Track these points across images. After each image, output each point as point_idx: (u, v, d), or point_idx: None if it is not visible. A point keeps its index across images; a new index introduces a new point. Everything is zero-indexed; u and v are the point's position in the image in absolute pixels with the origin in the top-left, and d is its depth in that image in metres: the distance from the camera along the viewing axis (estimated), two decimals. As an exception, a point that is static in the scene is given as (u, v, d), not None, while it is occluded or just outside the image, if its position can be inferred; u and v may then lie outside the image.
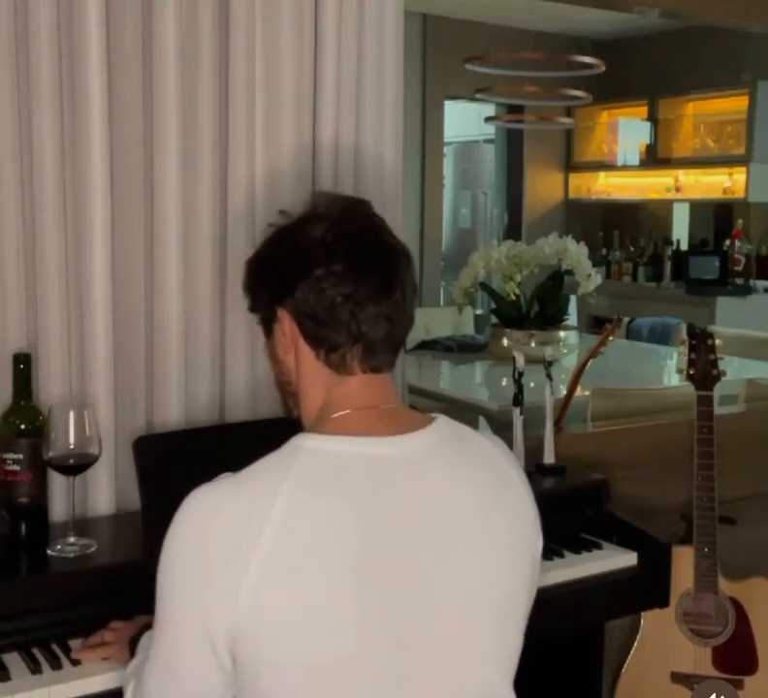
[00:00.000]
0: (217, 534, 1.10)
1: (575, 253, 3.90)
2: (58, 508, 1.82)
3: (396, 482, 1.16)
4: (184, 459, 1.79)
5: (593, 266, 3.99)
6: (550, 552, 2.01)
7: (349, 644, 1.10)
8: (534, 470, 2.21)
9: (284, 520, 1.09)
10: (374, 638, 1.11)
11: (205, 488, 1.15)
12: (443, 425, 1.26)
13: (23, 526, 1.72)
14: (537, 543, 1.29)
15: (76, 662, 1.52)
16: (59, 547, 1.70)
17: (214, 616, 1.08)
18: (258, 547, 1.08)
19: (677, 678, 2.37)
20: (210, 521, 1.11)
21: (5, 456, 1.71)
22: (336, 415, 1.22)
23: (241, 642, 1.08)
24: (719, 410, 2.54)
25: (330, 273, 1.20)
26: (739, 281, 6.00)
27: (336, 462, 1.15)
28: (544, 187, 7.21)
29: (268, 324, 1.30)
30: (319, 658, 1.09)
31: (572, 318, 4.24)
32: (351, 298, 1.20)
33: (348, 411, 1.22)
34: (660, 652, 2.37)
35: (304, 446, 1.17)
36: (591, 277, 3.90)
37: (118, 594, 1.62)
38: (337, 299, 1.20)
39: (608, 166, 7.09)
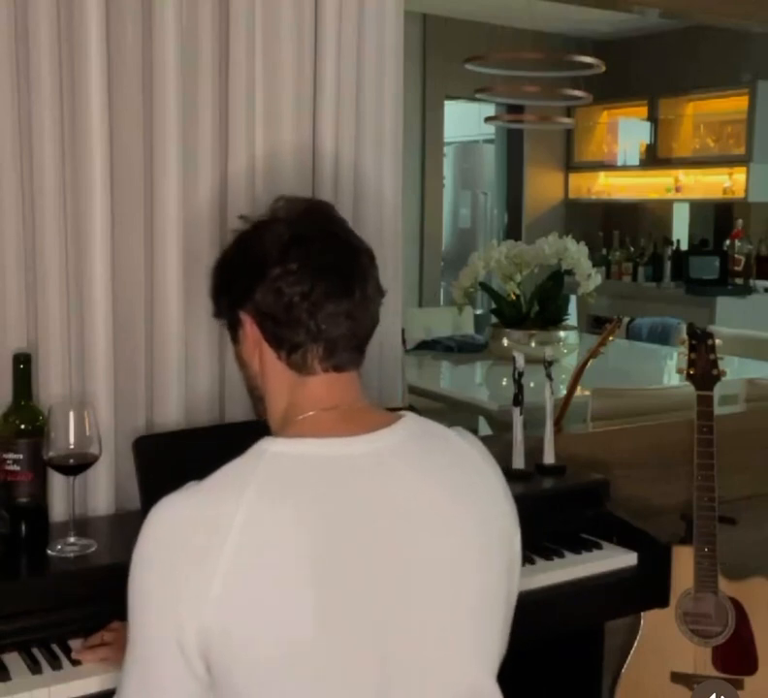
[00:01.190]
0: (182, 545, 1.11)
1: (575, 253, 3.91)
2: (58, 508, 1.83)
3: (361, 482, 1.16)
4: (184, 459, 1.78)
5: (593, 266, 4.00)
6: (550, 552, 2.01)
7: (310, 644, 1.09)
8: (534, 470, 2.21)
9: (246, 526, 1.09)
10: (344, 638, 1.11)
11: (169, 498, 1.15)
12: (410, 422, 1.25)
13: (23, 526, 1.72)
14: (514, 538, 1.29)
15: (76, 662, 1.52)
16: (59, 547, 1.70)
17: (184, 625, 1.08)
18: (222, 554, 1.08)
19: (677, 678, 2.37)
20: (175, 532, 1.12)
21: (5, 456, 1.71)
22: (300, 417, 1.22)
23: (212, 645, 1.08)
24: (719, 410, 2.54)
25: (286, 272, 1.20)
26: (739, 281, 6.00)
27: (300, 466, 1.15)
28: (544, 187, 7.21)
29: (233, 329, 1.30)
30: (284, 660, 1.09)
31: (572, 318, 4.24)
32: (308, 296, 1.20)
33: (312, 412, 1.22)
34: (660, 652, 2.37)
35: (268, 450, 1.16)
36: (591, 277, 3.90)
37: (118, 594, 1.61)
38: (295, 298, 1.20)
39: (608, 166, 7.10)
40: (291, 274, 1.20)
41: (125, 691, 1.16)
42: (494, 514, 1.25)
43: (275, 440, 1.19)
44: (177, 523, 1.13)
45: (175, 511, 1.14)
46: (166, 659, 1.11)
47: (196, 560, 1.09)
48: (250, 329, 1.25)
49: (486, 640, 1.23)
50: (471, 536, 1.21)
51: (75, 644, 1.56)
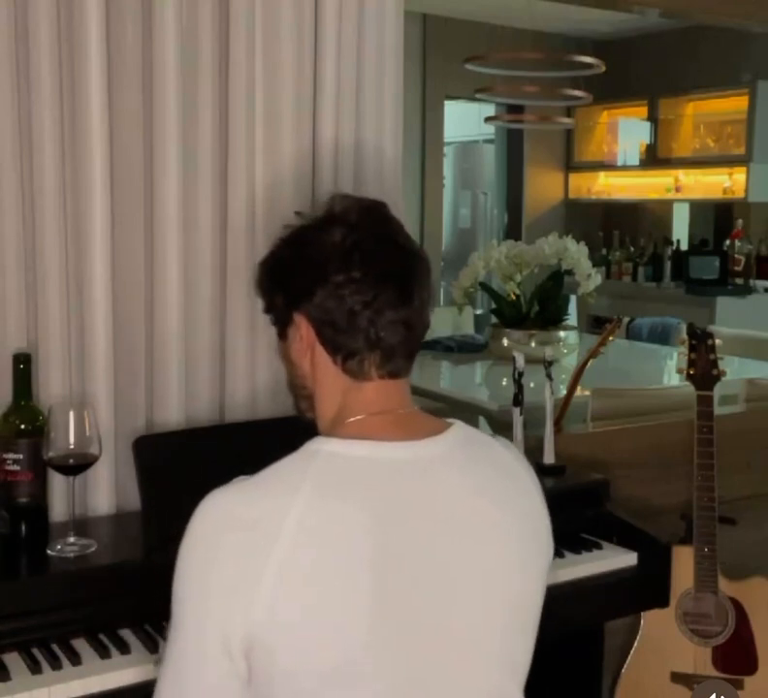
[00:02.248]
0: (232, 543, 1.09)
1: (575, 253, 3.90)
2: (58, 508, 1.83)
3: (411, 487, 1.16)
4: (184, 459, 1.79)
5: (593, 266, 3.99)
6: (550, 552, 2.01)
7: (363, 649, 1.09)
8: (534, 470, 2.21)
9: (300, 526, 1.08)
10: (389, 642, 1.10)
11: (219, 492, 1.13)
12: (459, 430, 1.25)
13: (23, 526, 1.72)
14: (549, 549, 1.29)
15: (76, 662, 1.52)
16: (59, 547, 1.70)
17: (230, 625, 1.07)
18: (273, 554, 1.07)
19: (677, 678, 2.37)
20: (225, 529, 1.10)
21: (5, 456, 1.71)
22: (351, 419, 1.21)
23: (256, 650, 1.07)
24: (719, 410, 2.54)
25: (349, 280, 1.19)
26: (739, 281, 6.00)
27: (354, 467, 1.15)
28: (544, 187, 7.21)
29: (282, 326, 1.29)
30: (333, 664, 1.08)
31: (572, 318, 4.24)
32: (370, 305, 1.19)
33: (364, 416, 1.21)
34: (660, 652, 2.37)
35: (321, 450, 1.16)
36: (591, 277, 3.90)
37: (118, 594, 1.62)
38: (356, 306, 1.19)
39: (608, 166, 7.10)
40: (354, 283, 1.19)
41: (162, 682, 1.14)
42: (534, 524, 1.25)
43: (328, 440, 1.19)
44: (226, 520, 1.11)
45: (224, 506, 1.12)
46: (208, 655, 1.09)
47: (244, 559, 1.08)
48: (306, 331, 1.23)
49: (515, 650, 1.23)
50: (512, 546, 1.21)
51: (75, 644, 1.57)
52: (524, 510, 1.24)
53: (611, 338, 2.84)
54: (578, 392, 2.82)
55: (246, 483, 1.14)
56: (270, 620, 1.06)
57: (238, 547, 1.09)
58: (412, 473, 1.17)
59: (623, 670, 2.40)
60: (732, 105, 6.19)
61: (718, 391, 2.47)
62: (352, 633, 1.09)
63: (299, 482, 1.11)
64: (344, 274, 1.19)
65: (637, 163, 6.83)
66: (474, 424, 3.36)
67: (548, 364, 2.29)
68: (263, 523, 1.09)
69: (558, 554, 2.02)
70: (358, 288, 1.19)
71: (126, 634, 1.61)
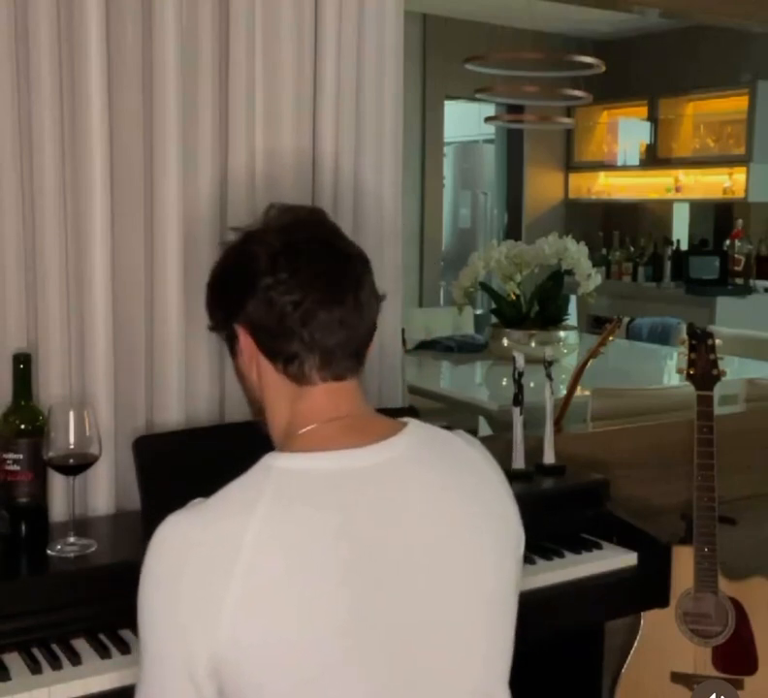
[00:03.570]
0: (191, 567, 1.08)
1: (575, 253, 3.90)
2: (58, 508, 1.83)
3: (371, 494, 1.14)
4: (184, 459, 1.79)
5: (593, 266, 4.00)
6: (550, 552, 2.01)
7: (343, 655, 1.08)
8: (534, 470, 2.21)
9: (257, 545, 1.07)
10: (369, 647, 1.10)
11: (175, 517, 1.13)
12: (415, 429, 1.23)
13: (23, 526, 1.72)
14: (520, 542, 1.28)
15: (76, 662, 1.52)
16: (59, 547, 1.70)
17: (194, 648, 1.06)
18: (233, 576, 1.05)
19: (677, 678, 2.37)
20: (182, 553, 1.09)
21: (5, 456, 1.71)
22: (303, 430, 1.20)
23: (225, 668, 1.06)
24: (719, 410, 2.54)
25: (277, 282, 1.18)
26: (739, 281, 6.00)
27: (308, 481, 1.13)
28: (544, 187, 7.21)
29: (230, 342, 1.28)
30: (306, 674, 1.08)
31: (572, 318, 4.24)
32: (300, 305, 1.17)
33: (315, 425, 1.19)
34: (660, 652, 2.37)
35: (273, 466, 1.14)
36: (591, 277, 3.90)
37: (118, 594, 1.61)
38: (287, 307, 1.17)
39: (608, 166, 7.10)
40: (281, 284, 1.18)
41: None
42: (502, 519, 1.25)
43: (280, 455, 1.17)
44: (183, 545, 1.10)
45: (179, 531, 1.11)
46: (172, 678, 1.09)
47: (204, 584, 1.06)
48: (245, 341, 1.23)
49: (498, 645, 1.22)
50: (483, 541, 1.20)
51: (75, 644, 1.57)
52: (491, 504, 1.23)
53: (611, 338, 2.84)
54: (578, 392, 2.82)
55: (201, 506, 1.13)
56: (233, 643, 1.05)
57: (198, 571, 1.07)
58: (371, 478, 1.15)
59: (623, 670, 2.40)
60: (732, 105, 6.19)
61: (718, 391, 2.47)
62: (328, 642, 1.07)
63: (254, 501, 1.10)
64: (272, 277, 1.18)
65: (637, 163, 6.83)
66: (474, 423, 3.37)
67: (548, 364, 2.29)
68: (222, 544, 1.07)
69: (558, 554, 2.02)
70: (286, 289, 1.18)
71: (126, 634, 1.61)
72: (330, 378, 1.21)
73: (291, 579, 1.07)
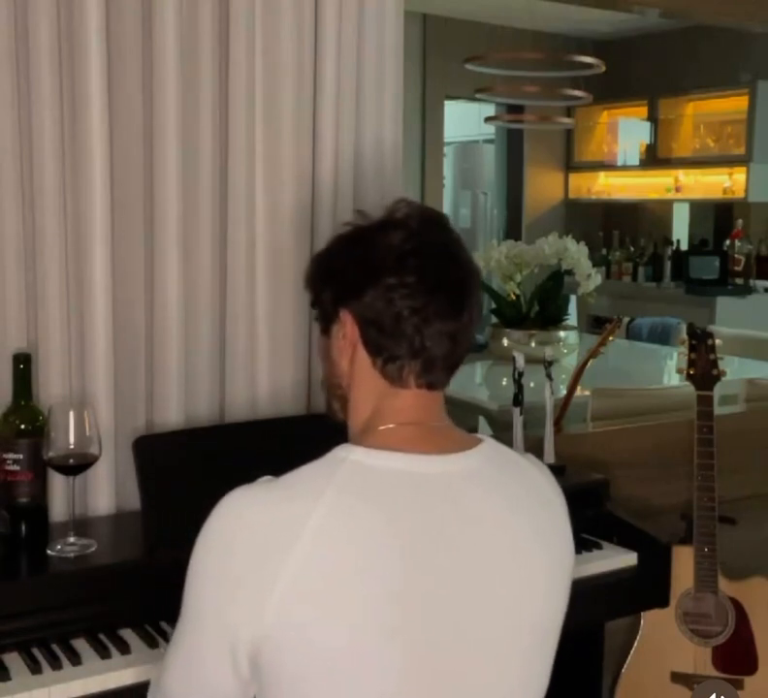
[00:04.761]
0: (247, 544, 1.08)
1: (575, 253, 3.90)
2: (58, 508, 1.83)
3: (435, 503, 1.14)
4: (184, 459, 1.79)
5: (593, 266, 3.99)
6: (550, 552, 2.01)
7: (372, 655, 1.08)
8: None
9: (319, 533, 1.07)
10: (399, 652, 1.09)
11: (241, 491, 1.13)
12: (489, 447, 1.24)
13: (23, 526, 1.72)
14: (571, 573, 1.27)
15: (76, 662, 1.52)
16: (59, 547, 1.70)
17: (238, 626, 1.07)
18: (289, 560, 1.06)
19: (677, 678, 2.36)
20: (242, 529, 1.09)
21: (5, 456, 1.71)
22: (382, 427, 1.19)
23: (264, 652, 1.07)
24: (719, 410, 2.54)
25: (401, 284, 1.17)
26: (739, 281, 6.00)
27: (379, 478, 1.13)
28: (544, 187, 7.21)
29: (326, 322, 1.27)
30: (341, 667, 1.07)
31: (572, 318, 4.23)
32: (419, 312, 1.17)
33: (395, 425, 1.19)
34: (660, 652, 2.37)
35: (347, 458, 1.14)
36: (591, 277, 3.89)
37: (118, 594, 1.62)
38: (405, 311, 1.17)
39: (608, 166, 7.10)
40: (406, 287, 1.17)
41: (168, 673, 1.15)
42: (559, 546, 1.24)
43: (355, 449, 1.16)
44: (245, 520, 1.10)
45: (244, 505, 1.11)
46: (212, 651, 1.10)
47: (258, 562, 1.07)
48: (350, 329, 1.22)
49: (534, 672, 1.21)
50: (537, 567, 1.19)
51: (75, 644, 1.57)
52: (550, 533, 1.22)
53: (611, 338, 2.83)
54: (578, 392, 2.82)
55: (271, 484, 1.13)
56: (278, 629, 1.05)
57: (254, 549, 1.08)
58: (438, 488, 1.15)
59: (623, 670, 2.40)
60: (732, 105, 6.19)
61: (718, 391, 2.46)
62: (369, 639, 1.07)
63: (322, 488, 1.10)
64: (397, 277, 1.17)
65: (637, 163, 6.83)
66: (474, 423, 3.37)
67: (548, 364, 2.29)
68: (282, 526, 1.08)
69: (558, 554, 2.02)
70: (409, 293, 1.17)
71: (126, 634, 1.61)
72: (424, 385, 1.21)
73: (345, 571, 1.07)
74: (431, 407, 1.23)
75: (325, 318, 1.27)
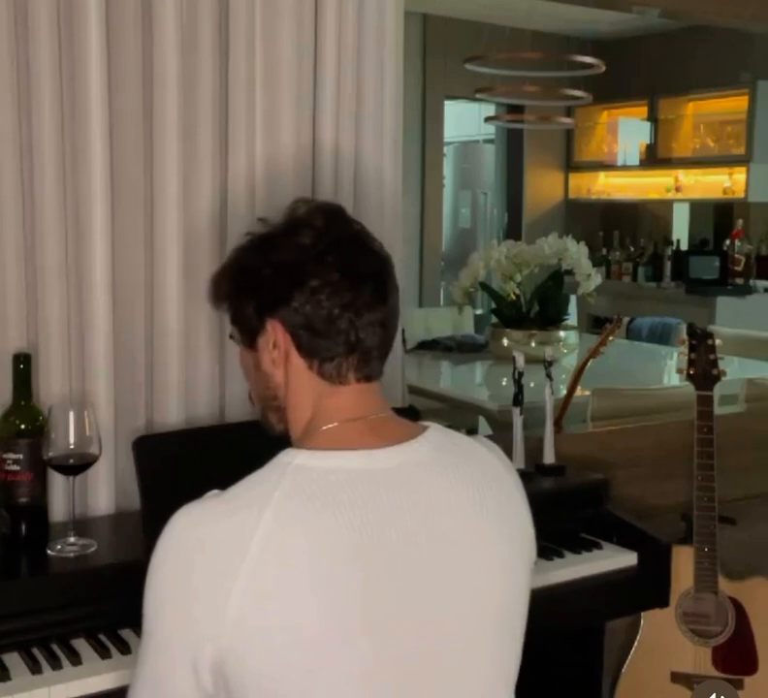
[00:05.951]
0: (199, 560, 1.08)
1: (575, 253, 3.90)
2: (58, 508, 1.83)
3: (387, 496, 1.13)
4: (184, 459, 1.79)
5: (593, 266, 4.00)
6: (550, 552, 2.01)
7: (333, 653, 1.07)
8: (534, 470, 2.21)
9: (268, 541, 1.06)
10: (363, 647, 1.09)
11: (189, 508, 1.13)
12: (436, 434, 1.23)
13: (23, 526, 1.72)
14: (532, 553, 1.28)
15: (76, 662, 1.52)
16: (59, 547, 1.70)
17: (198, 641, 1.07)
18: (240, 571, 1.05)
19: (677, 678, 2.37)
20: (192, 546, 1.09)
21: (5, 456, 1.71)
22: (325, 428, 1.19)
23: (229, 663, 1.07)
24: (719, 410, 2.54)
25: (326, 283, 1.17)
26: (739, 281, 6.00)
27: (325, 479, 1.12)
28: (544, 187, 7.21)
29: (251, 336, 1.25)
30: (304, 665, 1.07)
31: (572, 318, 4.24)
32: (349, 307, 1.17)
33: (335, 424, 1.19)
34: (660, 652, 2.37)
35: (291, 463, 1.13)
36: (591, 277, 3.90)
37: (118, 594, 1.62)
38: (335, 309, 1.17)
39: (608, 166, 7.10)
40: (331, 285, 1.17)
41: (136, 691, 1.15)
42: (517, 527, 1.24)
43: (298, 453, 1.16)
44: (194, 538, 1.10)
45: (192, 524, 1.11)
46: (175, 674, 1.09)
47: (212, 578, 1.06)
48: (282, 337, 1.20)
49: (505, 655, 1.21)
50: (497, 548, 1.19)
51: (75, 644, 1.57)
52: (507, 513, 1.23)
53: (611, 338, 2.84)
54: (578, 392, 2.82)
55: (216, 499, 1.13)
56: (237, 638, 1.05)
57: (206, 564, 1.07)
58: (389, 480, 1.14)
59: (623, 670, 2.40)
60: (732, 105, 6.19)
61: (718, 391, 2.47)
62: (331, 637, 1.07)
63: (268, 496, 1.09)
64: (321, 278, 1.17)
65: (637, 163, 6.84)
66: (474, 423, 3.37)
67: (548, 364, 2.29)
68: (231, 539, 1.07)
69: (557, 554, 2.02)
70: (335, 290, 1.17)
71: (126, 634, 1.61)
72: (363, 379, 1.21)
73: (298, 577, 1.07)
74: (372, 400, 1.22)
75: (249, 332, 1.25)
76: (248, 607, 1.05)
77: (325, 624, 1.07)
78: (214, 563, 1.07)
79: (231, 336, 1.32)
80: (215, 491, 1.15)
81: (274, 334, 1.21)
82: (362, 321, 1.18)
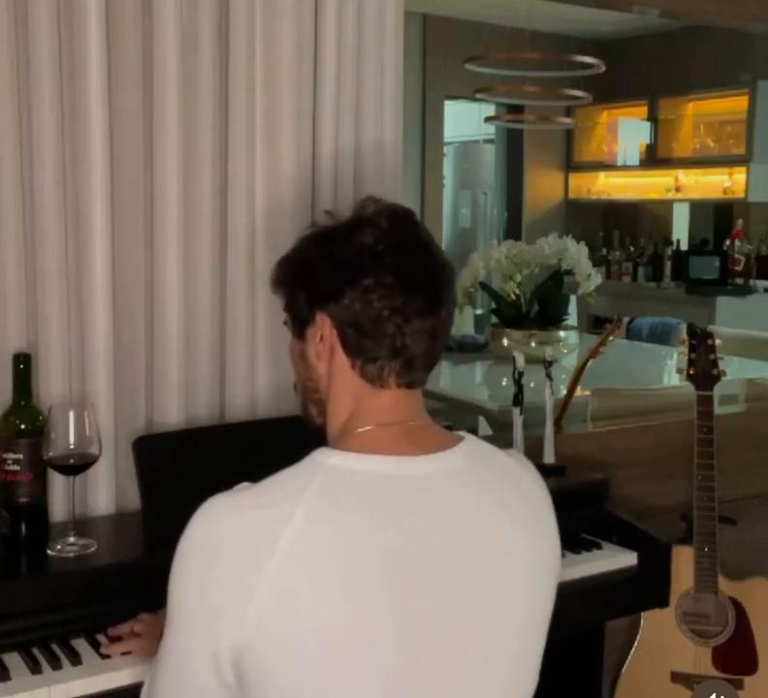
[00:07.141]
0: (226, 552, 1.07)
1: (575, 253, 3.90)
2: (58, 508, 1.83)
3: (417, 504, 1.13)
4: (184, 459, 1.79)
5: (593, 266, 3.99)
6: (550, 552, 2.01)
7: (354, 655, 1.07)
8: (534, 470, 2.21)
9: (297, 539, 1.05)
10: (387, 660, 1.08)
11: (218, 499, 1.11)
12: (471, 445, 1.23)
13: (23, 526, 1.72)
14: (558, 570, 1.26)
15: (75, 662, 1.52)
16: (59, 547, 1.70)
17: (220, 633, 1.06)
18: (267, 567, 1.05)
19: (677, 678, 2.37)
20: (221, 538, 1.08)
21: (5, 456, 1.71)
22: (361, 430, 1.18)
23: (247, 659, 1.06)
24: (719, 410, 2.54)
25: (379, 284, 1.16)
26: (739, 281, 6.00)
27: (357, 482, 1.11)
28: (544, 187, 7.22)
29: (301, 326, 1.25)
30: (330, 674, 1.07)
31: (572, 318, 4.24)
32: (399, 311, 1.16)
33: (372, 427, 1.18)
34: (660, 652, 2.37)
35: (324, 463, 1.13)
36: (591, 277, 3.90)
37: (118, 594, 1.62)
38: (384, 311, 1.16)
39: (608, 166, 7.10)
40: (384, 287, 1.16)
41: (159, 680, 1.15)
42: (545, 543, 1.23)
43: (332, 452, 1.15)
44: (222, 528, 1.09)
45: (220, 514, 1.10)
46: (197, 665, 1.09)
47: (237, 571, 1.06)
48: (328, 332, 1.20)
49: (525, 671, 1.21)
50: (523, 563, 1.18)
51: (76, 643, 1.57)
52: (536, 529, 1.22)
53: (611, 338, 2.83)
54: (578, 392, 2.82)
55: (247, 492, 1.12)
56: (258, 636, 1.05)
57: (232, 557, 1.07)
58: (420, 489, 1.14)
59: (623, 670, 2.40)
60: (732, 105, 6.20)
61: (718, 391, 2.47)
62: (352, 640, 1.06)
63: (299, 495, 1.08)
64: (375, 278, 1.16)
65: (637, 163, 6.84)
66: (474, 423, 3.37)
67: (548, 364, 2.29)
68: (260, 533, 1.07)
69: (558, 554, 2.02)
70: (387, 293, 1.16)
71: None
72: (404, 385, 1.21)
73: (327, 575, 1.06)
74: (410, 406, 1.22)
75: (299, 321, 1.25)
76: (272, 605, 1.05)
77: (349, 626, 1.06)
78: (241, 555, 1.06)
79: (285, 323, 1.30)
80: (246, 484, 1.14)
81: (322, 328, 1.21)
82: (410, 327, 1.17)
